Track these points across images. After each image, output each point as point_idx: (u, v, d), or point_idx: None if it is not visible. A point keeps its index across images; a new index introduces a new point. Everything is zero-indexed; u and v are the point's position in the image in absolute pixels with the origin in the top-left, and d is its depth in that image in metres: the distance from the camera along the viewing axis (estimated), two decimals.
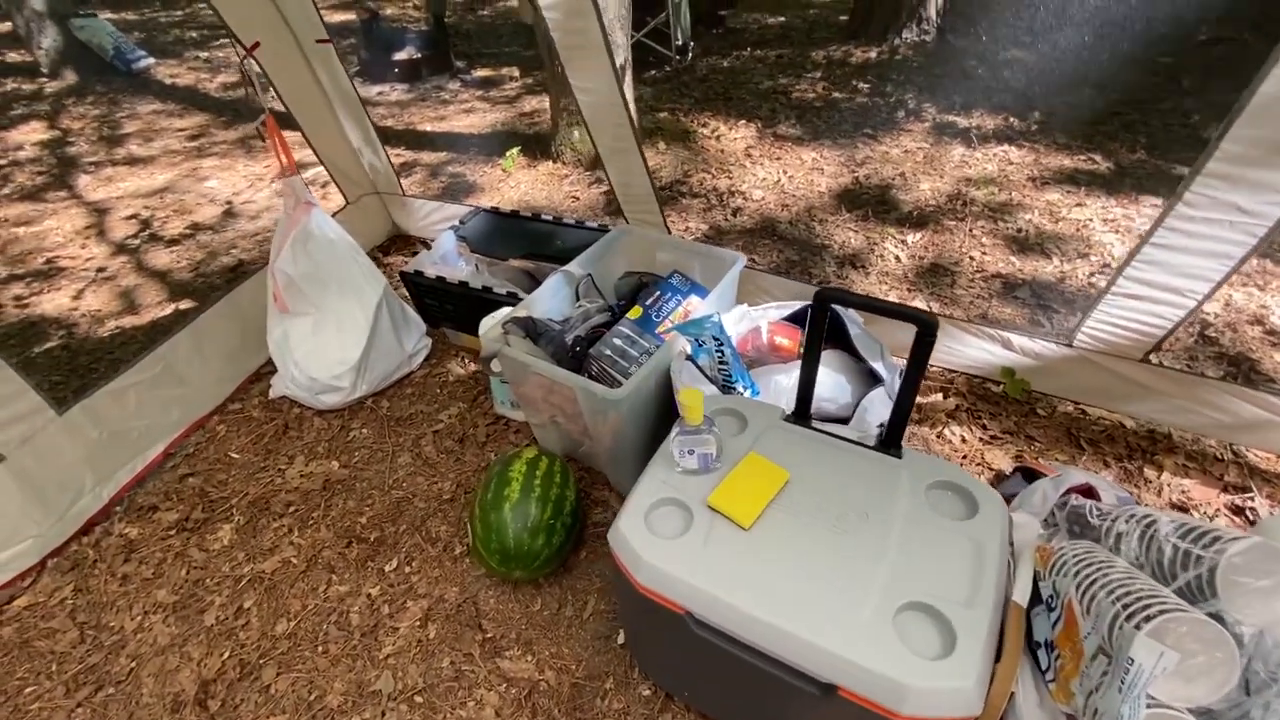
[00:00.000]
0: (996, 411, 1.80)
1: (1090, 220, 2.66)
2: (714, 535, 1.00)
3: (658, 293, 1.60)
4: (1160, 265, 1.35)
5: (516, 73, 4.91)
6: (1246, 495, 1.55)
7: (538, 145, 3.55)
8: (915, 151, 3.35)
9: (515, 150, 3.43)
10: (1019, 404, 1.81)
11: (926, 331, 0.99)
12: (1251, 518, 1.51)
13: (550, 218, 2.24)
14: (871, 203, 2.90)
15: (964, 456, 1.70)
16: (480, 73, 4.97)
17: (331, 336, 1.91)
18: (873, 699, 0.84)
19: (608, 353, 1.50)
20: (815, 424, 1.20)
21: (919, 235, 2.64)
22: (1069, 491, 1.08)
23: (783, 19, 5.85)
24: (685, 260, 1.76)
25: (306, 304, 1.89)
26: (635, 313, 1.56)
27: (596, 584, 1.50)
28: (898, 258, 2.52)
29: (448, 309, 2.10)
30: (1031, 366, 1.76)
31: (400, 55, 4.81)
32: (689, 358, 1.45)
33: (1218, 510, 1.53)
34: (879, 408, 1.33)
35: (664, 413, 1.56)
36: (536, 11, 1.66)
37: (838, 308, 1.36)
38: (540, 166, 3.41)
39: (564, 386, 1.46)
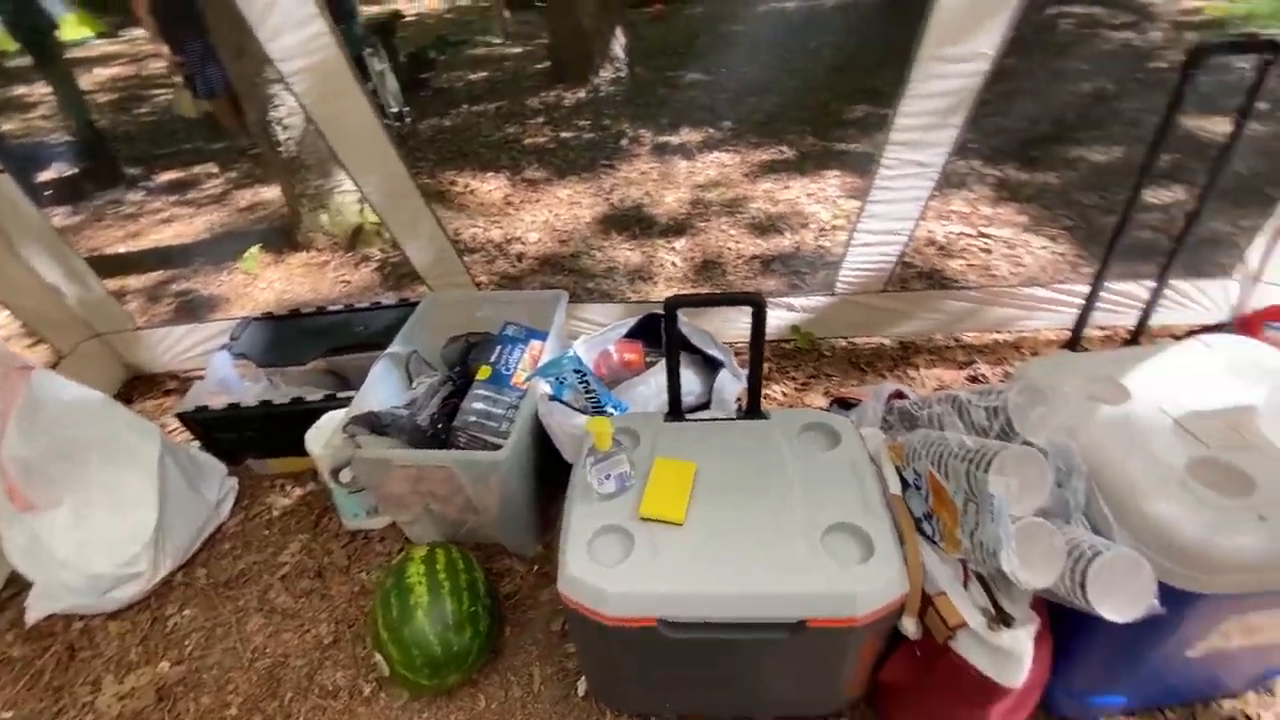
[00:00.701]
0: (798, 363, 2.15)
1: (799, 198, 3.29)
2: (658, 542, 1.07)
3: (498, 347, 1.61)
4: (878, 217, 1.78)
5: (215, 169, 4.36)
6: (974, 367, 2.08)
7: (279, 238, 3.22)
8: (650, 171, 3.77)
9: (255, 249, 3.07)
10: (810, 352, 2.18)
11: (758, 309, 1.18)
12: (984, 382, 2.03)
13: (339, 307, 2.08)
14: (633, 222, 3.21)
15: (790, 405, 2.00)
16: (166, 176, 4.31)
17: (105, 518, 1.54)
18: (834, 616, 0.98)
19: (473, 419, 1.47)
20: (689, 417, 1.34)
21: (683, 240, 3.00)
22: (889, 399, 1.36)
23: (485, 74, 6.10)
24: (510, 310, 1.79)
25: (56, 490, 1.50)
26: (484, 373, 1.55)
27: (535, 652, 1.45)
28: (674, 263, 2.83)
29: (249, 437, 1.83)
30: (811, 319, 2.14)
31: (49, 174, 3.96)
32: (553, 398, 1.48)
33: (962, 384, 2.03)
34: (730, 386, 1.51)
35: (542, 460, 1.57)
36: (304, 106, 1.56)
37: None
38: (290, 260, 3.11)
39: (437, 469, 1.40)
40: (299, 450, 1.65)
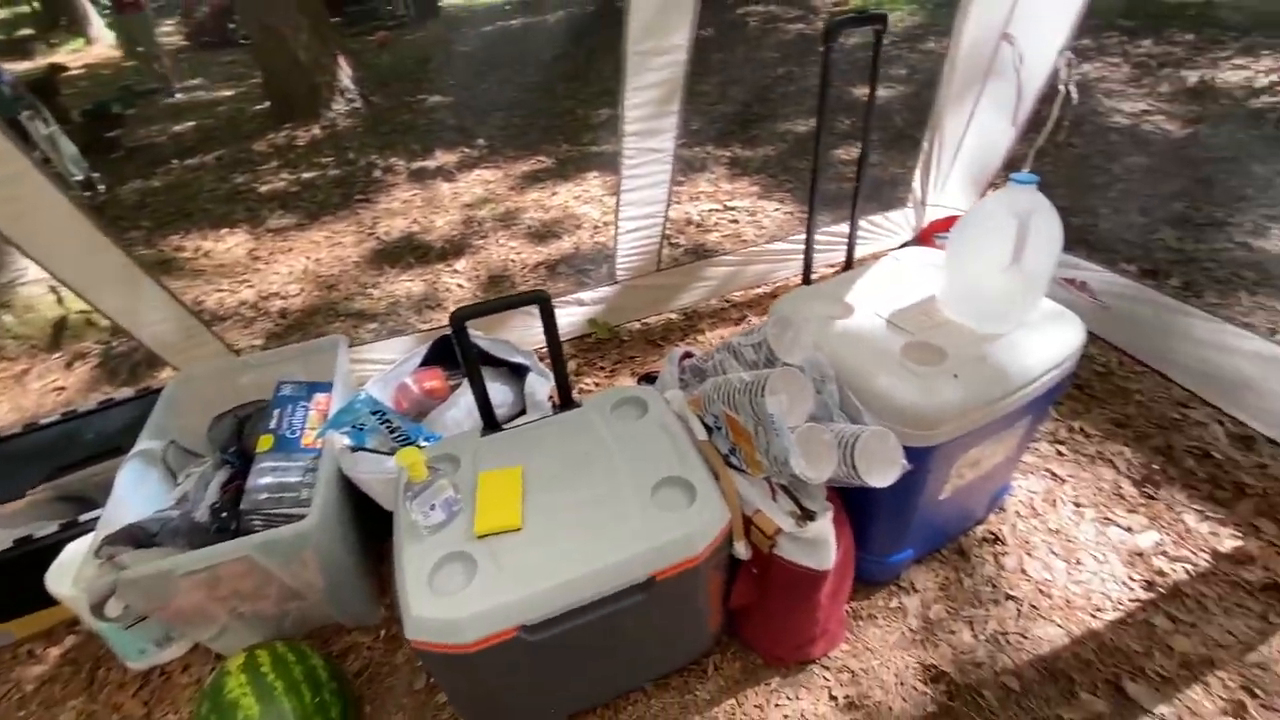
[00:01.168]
0: (602, 353, 2.24)
1: (568, 201, 3.41)
2: (501, 553, 1.06)
3: (277, 411, 1.45)
4: (634, 204, 1.93)
5: None
6: (747, 321, 2.35)
7: None
8: (412, 199, 3.63)
9: None
10: (611, 341, 2.29)
11: (545, 305, 1.23)
12: None
13: (55, 418, 1.70)
14: (406, 253, 3.07)
15: None
16: None
17: None
18: (677, 560, 1.07)
19: (263, 497, 1.31)
20: (506, 426, 1.34)
21: (463, 260, 2.94)
22: (681, 360, 1.50)
23: (193, 123, 5.36)
24: (281, 368, 1.62)
25: None
26: (266, 443, 1.39)
27: (399, 718, 1.35)
28: (460, 285, 2.77)
29: None
30: (604, 310, 2.24)
31: None
32: (355, 448, 1.38)
33: None
34: (540, 387, 1.54)
35: (360, 518, 1.46)
36: None
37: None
38: None
39: (233, 564, 1.22)
40: (44, 600, 1.33)
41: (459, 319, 1.18)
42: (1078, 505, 1.58)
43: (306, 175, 4.06)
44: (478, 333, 1.69)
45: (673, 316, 2.40)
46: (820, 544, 1.11)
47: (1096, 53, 4.43)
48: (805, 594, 1.20)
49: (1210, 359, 1.74)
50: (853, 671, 1.32)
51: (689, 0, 1.55)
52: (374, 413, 1.36)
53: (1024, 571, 1.46)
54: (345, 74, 4.92)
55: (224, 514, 1.30)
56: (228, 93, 6.17)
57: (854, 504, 1.25)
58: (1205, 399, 1.79)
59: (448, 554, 1.07)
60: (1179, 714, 1.20)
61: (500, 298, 1.25)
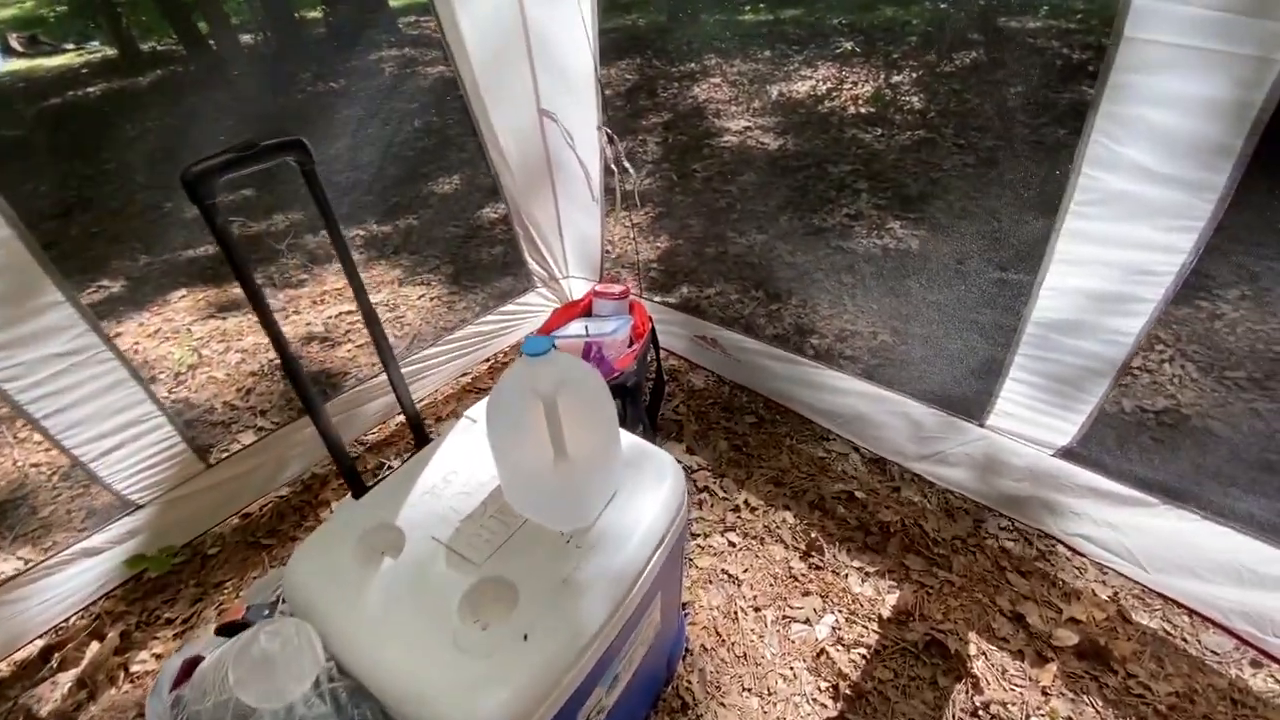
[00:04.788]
0: (173, 592, 1.57)
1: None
2: None
3: None
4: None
5: None
6: (391, 465, 1.88)
7: None
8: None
9: None
10: (188, 566, 1.62)
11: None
12: None
13: None
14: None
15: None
16: None
17: None
18: None
19: None
20: None
21: None
22: (176, 683, 0.96)
23: None
24: None
25: None
26: None
27: None
28: None
29: None
30: (149, 538, 1.56)
31: None
32: None
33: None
34: None
35: None
36: None
37: None
38: None
39: None
40: None
41: None
42: (758, 609, 1.44)
43: None
44: None
45: (285, 493, 1.81)
46: None
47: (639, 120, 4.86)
48: None
49: (831, 399, 1.77)
50: None
51: None
52: None
53: None
54: None
55: None
56: None
57: None
58: (839, 433, 1.83)
59: None
60: None
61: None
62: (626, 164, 1.58)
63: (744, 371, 1.94)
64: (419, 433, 1.18)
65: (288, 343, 0.92)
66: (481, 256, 3.11)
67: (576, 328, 1.67)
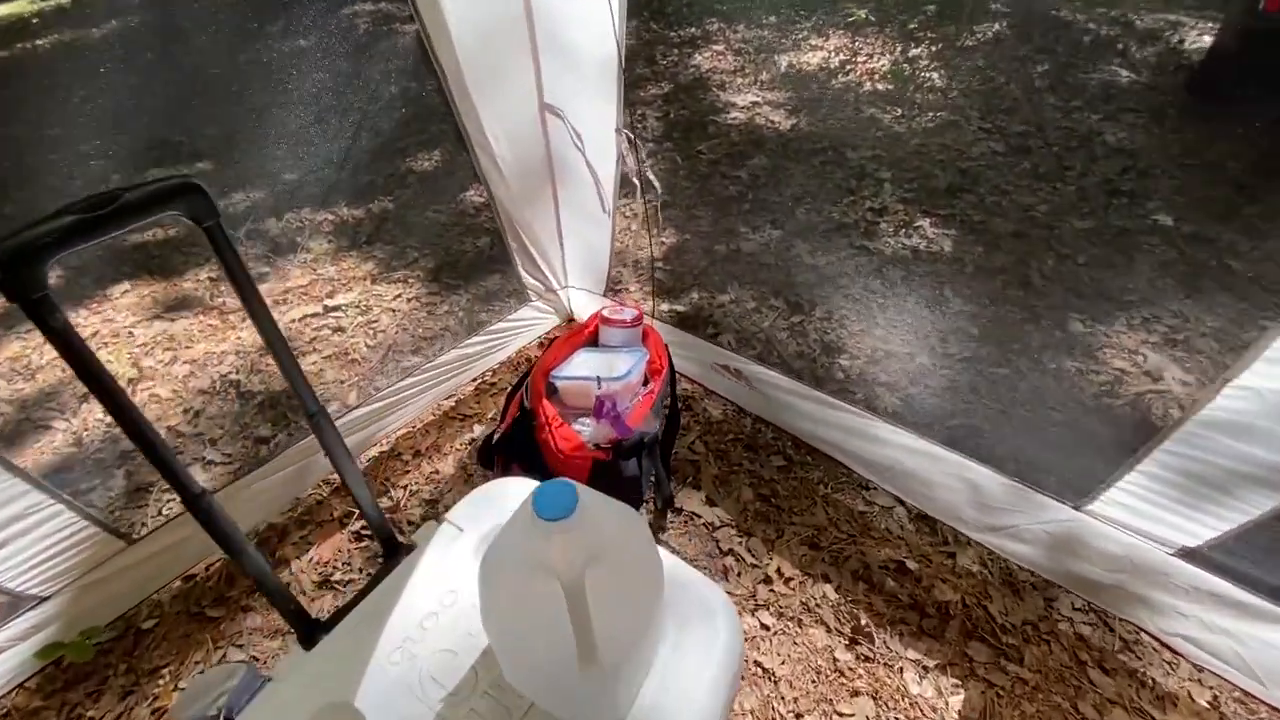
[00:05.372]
0: (99, 681, 1.31)
1: None
2: None
3: None
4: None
5: None
6: (356, 518, 1.61)
7: None
8: None
9: None
10: (114, 648, 1.36)
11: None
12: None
13: None
14: None
15: None
16: None
17: None
18: None
19: None
20: None
21: None
22: None
23: None
24: None
25: None
26: None
27: None
28: None
29: None
30: (65, 625, 1.28)
31: None
32: None
33: (351, 552, 1.54)
34: None
35: None
36: None
37: None
38: None
39: None
40: None
41: None
42: (799, 716, 1.22)
43: None
44: None
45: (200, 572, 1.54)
46: None
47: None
48: None
49: (873, 450, 1.52)
50: None
51: None
52: None
53: None
54: None
55: None
56: None
57: None
58: (881, 485, 1.59)
59: None
60: None
61: None
62: (651, 176, 1.29)
63: (770, 407, 1.69)
64: (387, 544, 0.91)
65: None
66: (465, 247, 2.79)
67: (583, 365, 1.40)
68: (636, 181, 1.30)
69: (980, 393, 1.85)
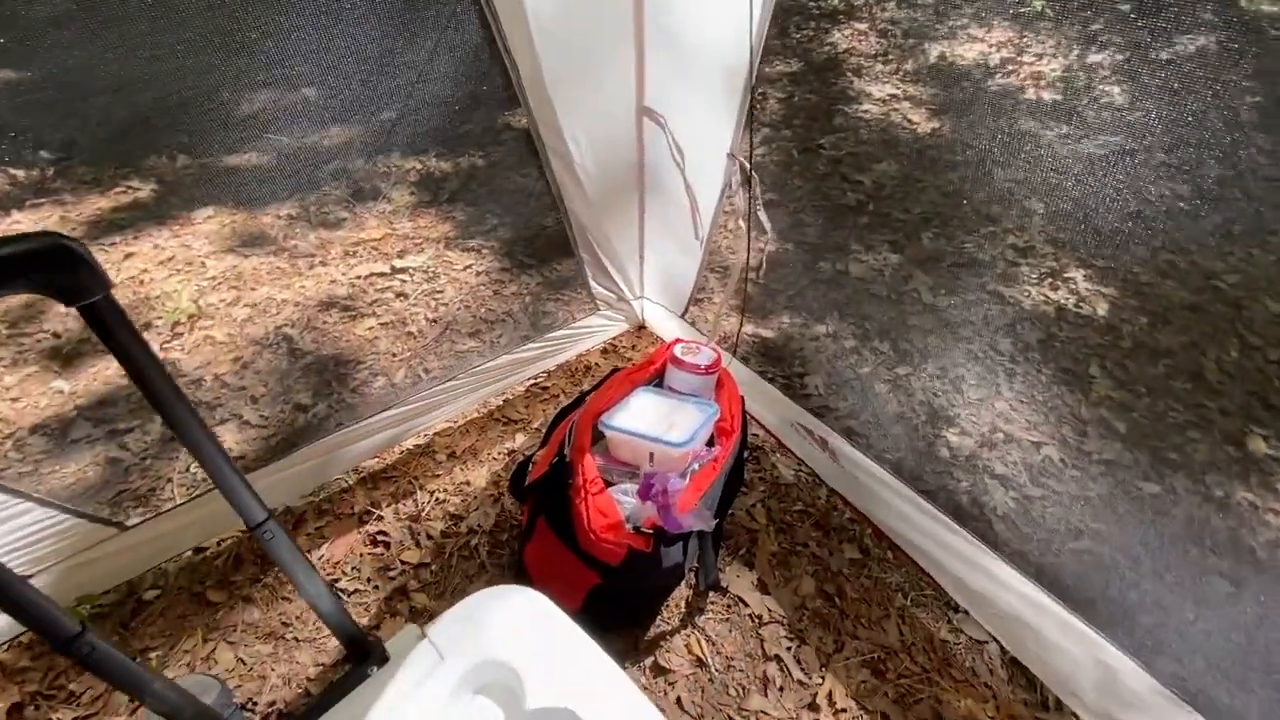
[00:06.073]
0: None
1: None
2: None
3: None
4: None
5: None
6: (377, 519, 1.49)
7: None
8: None
9: None
10: (111, 614, 1.30)
11: None
12: (386, 541, 1.46)
13: None
14: None
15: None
16: None
17: None
18: None
19: None
20: None
21: None
22: None
23: None
24: None
25: None
26: None
27: None
28: None
29: None
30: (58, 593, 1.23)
31: None
32: None
33: (363, 555, 1.43)
34: None
35: None
36: None
37: None
38: None
39: None
40: None
41: None
42: None
43: None
44: None
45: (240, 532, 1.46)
46: None
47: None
48: None
49: (978, 581, 1.24)
50: None
51: None
52: None
53: None
54: None
55: None
56: None
57: None
58: (970, 612, 1.31)
59: None
60: None
61: None
62: (763, 217, 1.02)
63: (853, 487, 1.42)
64: (355, 649, 0.74)
65: None
66: (547, 221, 2.60)
67: (640, 414, 1.18)
68: (744, 224, 1.04)
69: (1119, 513, 1.50)
